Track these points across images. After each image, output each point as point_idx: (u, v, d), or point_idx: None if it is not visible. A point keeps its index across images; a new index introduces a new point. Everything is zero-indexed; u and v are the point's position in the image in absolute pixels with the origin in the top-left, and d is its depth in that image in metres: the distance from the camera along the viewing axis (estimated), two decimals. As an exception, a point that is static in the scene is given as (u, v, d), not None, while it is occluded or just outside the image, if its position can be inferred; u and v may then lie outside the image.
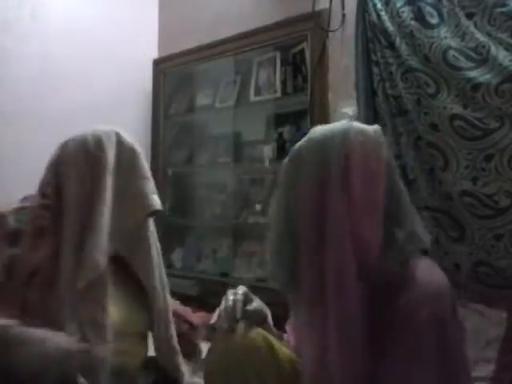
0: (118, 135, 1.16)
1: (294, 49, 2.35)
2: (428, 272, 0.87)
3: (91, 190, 1.08)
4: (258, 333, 0.99)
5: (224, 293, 1.09)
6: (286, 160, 0.99)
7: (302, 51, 2.30)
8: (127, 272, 1.19)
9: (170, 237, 2.94)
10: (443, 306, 0.83)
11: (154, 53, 2.99)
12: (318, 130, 0.96)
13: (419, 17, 1.75)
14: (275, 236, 0.99)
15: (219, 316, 1.04)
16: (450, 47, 1.67)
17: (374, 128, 0.94)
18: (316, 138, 0.94)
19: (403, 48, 1.78)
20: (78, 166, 1.11)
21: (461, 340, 0.89)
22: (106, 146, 1.12)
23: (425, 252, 0.93)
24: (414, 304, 0.82)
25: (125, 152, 1.15)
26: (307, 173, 0.92)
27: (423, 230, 0.93)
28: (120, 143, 1.15)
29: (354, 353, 0.84)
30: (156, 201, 1.16)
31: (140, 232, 1.18)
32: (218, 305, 1.07)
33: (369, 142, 0.90)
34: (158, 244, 1.28)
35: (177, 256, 2.88)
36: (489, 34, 1.62)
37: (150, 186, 1.17)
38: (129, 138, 1.20)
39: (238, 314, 1.01)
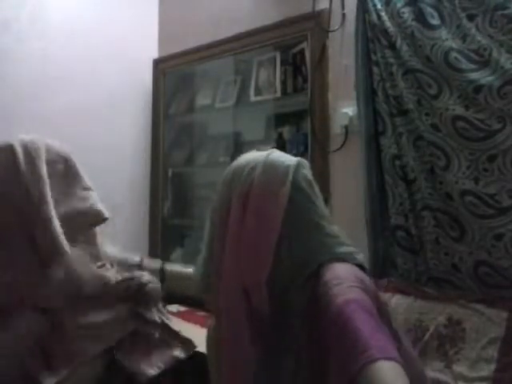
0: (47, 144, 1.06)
1: (293, 49, 2.35)
2: (332, 271, 0.86)
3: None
4: None
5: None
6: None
7: (302, 51, 2.29)
8: None
9: (170, 237, 2.94)
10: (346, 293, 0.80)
11: (154, 53, 2.99)
12: (242, 157, 0.98)
13: (420, 18, 1.75)
14: (203, 246, 1.03)
15: None
16: (451, 49, 1.67)
17: (286, 164, 0.93)
18: (233, 167, 0.96)
19: (404, 48, 1.78)
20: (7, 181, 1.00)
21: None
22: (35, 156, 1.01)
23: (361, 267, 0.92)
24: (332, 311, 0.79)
25: (58, 162, 1.05)
26: (222, 199, 0.96)
27: (347, 252, 0.92)
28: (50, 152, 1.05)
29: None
30: (104, 210, 1.09)
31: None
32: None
33: (272, 183, 0.90)
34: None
35: (177, 256, 2.88)
36: (490, 37, 1.62)
37: (94, 196, 1.09)
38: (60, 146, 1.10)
39: None
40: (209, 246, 1.00)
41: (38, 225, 0.95)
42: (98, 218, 1.07)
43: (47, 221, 0.95)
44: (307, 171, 0.96)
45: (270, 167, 0.92)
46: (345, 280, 0.82)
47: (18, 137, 1.07)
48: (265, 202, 0.89)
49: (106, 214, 1.08)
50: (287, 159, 0.95)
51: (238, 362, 0.88)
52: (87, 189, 1.08)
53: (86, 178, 1.09)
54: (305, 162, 0.97)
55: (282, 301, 0.89)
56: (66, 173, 1.06)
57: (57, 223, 0.96)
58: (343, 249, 0.92)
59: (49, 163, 1.03)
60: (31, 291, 0.98)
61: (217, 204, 0.98)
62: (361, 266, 0.91)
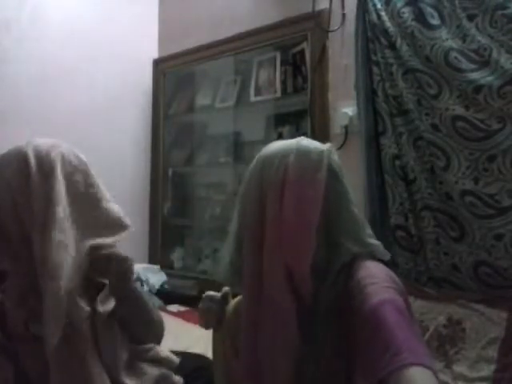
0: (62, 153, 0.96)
1: (293, 49, 2.35)
2: (366, 270, 0.85)
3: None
4: None
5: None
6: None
7: (302, 51, 2.29)
8: None
9: (170, 237, 2.94)
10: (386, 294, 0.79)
11: (154, 53, 2.99)
12: (271, 146, 0.95)
13: (420, 18, 1.75)
14: (230, 235, 1.01)
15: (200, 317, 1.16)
16: (451, 48, 1.67)
17: (319, 149, 0.91)
18: (263, 156, 0.94)
19: (404, 48, 1.78)
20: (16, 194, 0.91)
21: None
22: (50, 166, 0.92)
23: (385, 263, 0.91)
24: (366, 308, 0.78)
25: (76, 174, 0.96)
26: (253, 187, 0.93)
27: (378, 245, 0.92)
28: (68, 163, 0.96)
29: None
30: (128, 220, 1.04)
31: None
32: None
33: (307, 168, 0.88)
34: None
35: (177, 256, 2.88)
36: (490, 37, 1.62)
37: (116, 207, 1.02)
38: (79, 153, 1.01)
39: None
40: (236, 238, 0.97)
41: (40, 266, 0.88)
42: (124, 229, 1.04)
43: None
44: (337, 157, 0.94)
45: (303, 153, 0.90)
46: (380, 280, 0.81)
47: (32, 142, 0.97)
48: (302, 188, 0.86)
49: (129, 223, 1.05)
50: (319, 145, 0.93)
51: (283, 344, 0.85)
52: (109, 201, 1.01)
53: (104, 187, 1.02)
54: (334, 149, 0.95)
55: (313, 296, 0.87)
56: (86, 185, 0.98)
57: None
58: (373, 241, 0.92)
59: (66, 176, 0.94)
60: None
61: (245, 195, 0.95)
62: (384, 261, 0.91)
